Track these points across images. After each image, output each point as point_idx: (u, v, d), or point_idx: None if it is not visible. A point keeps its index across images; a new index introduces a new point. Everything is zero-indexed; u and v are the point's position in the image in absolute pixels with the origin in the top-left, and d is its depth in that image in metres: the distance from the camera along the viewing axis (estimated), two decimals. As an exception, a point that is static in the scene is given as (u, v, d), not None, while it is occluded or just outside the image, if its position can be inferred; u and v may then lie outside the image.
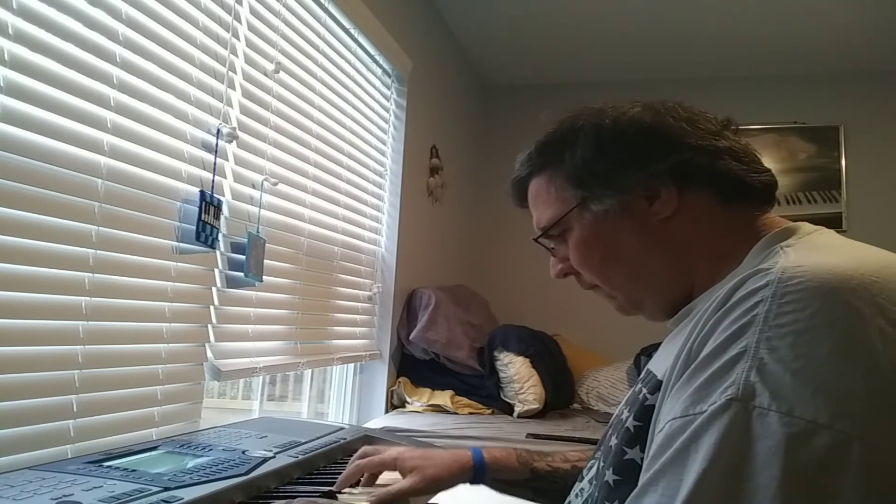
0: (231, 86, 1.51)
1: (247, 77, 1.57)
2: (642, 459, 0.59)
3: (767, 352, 0.46)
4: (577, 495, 0.74)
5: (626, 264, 0.69)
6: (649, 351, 2.73)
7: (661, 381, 0.59)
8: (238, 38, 1.54)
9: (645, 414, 0.61)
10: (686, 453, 0.46)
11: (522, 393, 2.42)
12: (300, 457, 1.01)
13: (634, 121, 0.68)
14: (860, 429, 0.42)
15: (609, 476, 0.63)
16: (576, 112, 0.73)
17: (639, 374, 2.98)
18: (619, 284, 0.71)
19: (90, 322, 1.11)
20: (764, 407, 0.44)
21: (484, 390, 2.49)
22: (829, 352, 0.45)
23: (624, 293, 0.72)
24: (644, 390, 0.64)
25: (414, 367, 2.54)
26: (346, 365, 2.30)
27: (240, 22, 1.55)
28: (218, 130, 1.44)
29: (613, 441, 0.66)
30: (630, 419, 0.63)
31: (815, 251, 0.56)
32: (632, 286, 0.71)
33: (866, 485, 0.41)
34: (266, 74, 1.65)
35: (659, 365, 0.65)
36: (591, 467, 0.73)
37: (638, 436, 0.61)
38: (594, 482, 0.69)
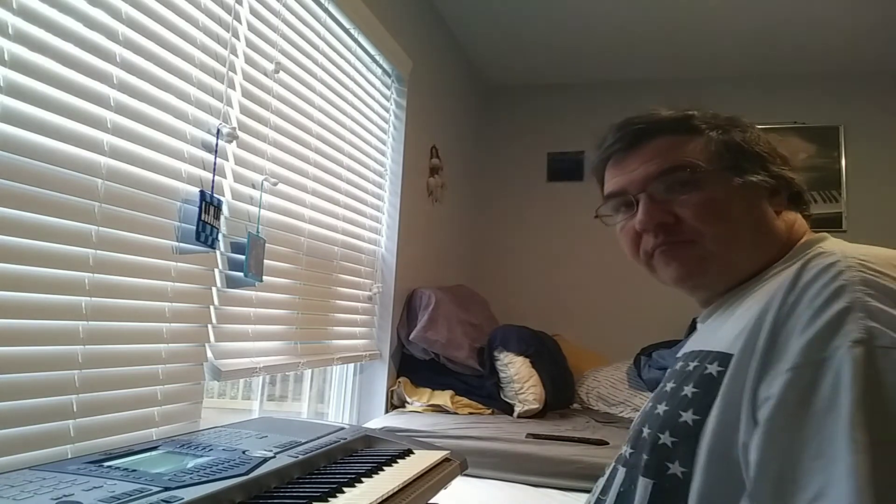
0: (231, 86, 1.51)
1: (247, 77, 1.57)
2: (694, 422, 0.65)
3: (876, 303, 0.56)
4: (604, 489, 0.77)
5: (750, 231, 0.76)
6: (649, 351, 2.73)
7: (726, 354, 0.66)
8: (238, 38, 1.54)
9: (705, 382, 0.66)
10: (828, 390, 0.54)
11: (522, 393, 2.42)
12: (300, 457, 1.00)
13: (760, 134, 0.83)
14: None
15: (665, 438, 0.67)
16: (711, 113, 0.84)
17: (639, 374, 2.95)
18: (727, 243, 0.76)
19: (90, 322, 1.11)
20: (887, 346, 0.53)
21: (484, 390, 2.49)
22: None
23: (721, 253, 0.76)
24: (695, 364, 0.70)
25: (414, 367, 2.54)
26: (346, 365, 2.31)
27: (240, 22, 1.55)
28: (218, 130, 1.44)
29: (660, 411, 0.71)
30: (688, 388, 0.68)
31: (843, 246, 0.69)
32: (737, 249, 0.76)
33: None
34: (266, 74, 1.65)
35: (713, 342, 0.70)
36: (615, 470, 0.75)
37: (695, 400, 0.66)
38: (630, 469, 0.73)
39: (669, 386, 0.73)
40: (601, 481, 0.79)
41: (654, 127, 0.81)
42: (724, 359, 0.66)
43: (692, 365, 0.71)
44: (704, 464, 0.62)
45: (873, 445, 0.50)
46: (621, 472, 0.73)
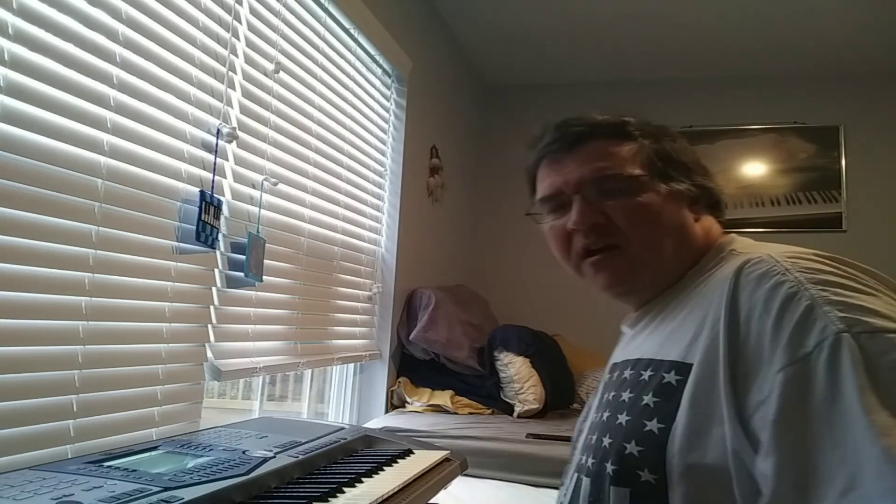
0: (231, 86, 1.51)
1: (247, 77, 1.57)
2: (660, 430, 0.66)
3: (831, 294, 0.59)
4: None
5: (666, 232, 0.79)
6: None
7: (682, 363, 0.67)
8: (238, 38, 1.54)
9: (665, 391, 0.68)
10: (826, 383, 0.55)
11: (522, 393, 2.41)
12: (300, 457, 1.00)
13: (686, 145, 0.87)
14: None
15: (632, 448, 0.68)
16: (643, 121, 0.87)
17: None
18: (654, 248, 0.79)
19: (90, 322, 1.11)
20: (866, 330, 0.55)
21: (484, 390, 2.49)
22: (871, 285, 0.61)
23: (647, 257, 0.80)
24: (649, 373, 0.72)
25: (414, 367, 2.53)
26: (346, 365, 2.30)
27: (240, 22, 1.55)
28: (218, 130, 1.44)
29: (622, 421, 0.71)
30: (647, 397, 0.69)
31: (758, 247, 0.74)
32: (662, 254, 0.79)
33: None
34: (266, 74, 1.65)
35: (661, 350, 0.73)
36: (579, 480, 0.75)
37: (657, 409, 0.67)
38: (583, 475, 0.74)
39: (626, 395, 0.73)
40: (565, 493, 0.79)
41: (591, 130, 0.83)
42: (681, 368, 0.68)
43: (646, 374, 0.72)
44: (680, 472, 0.63)
45: (893, 426, 0.50)
46: (586, 482, 0.73)
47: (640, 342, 0.81)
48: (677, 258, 0.80)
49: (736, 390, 0.61)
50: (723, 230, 0.85)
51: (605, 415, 0.75)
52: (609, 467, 0.69)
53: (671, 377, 0.68)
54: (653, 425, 0.67)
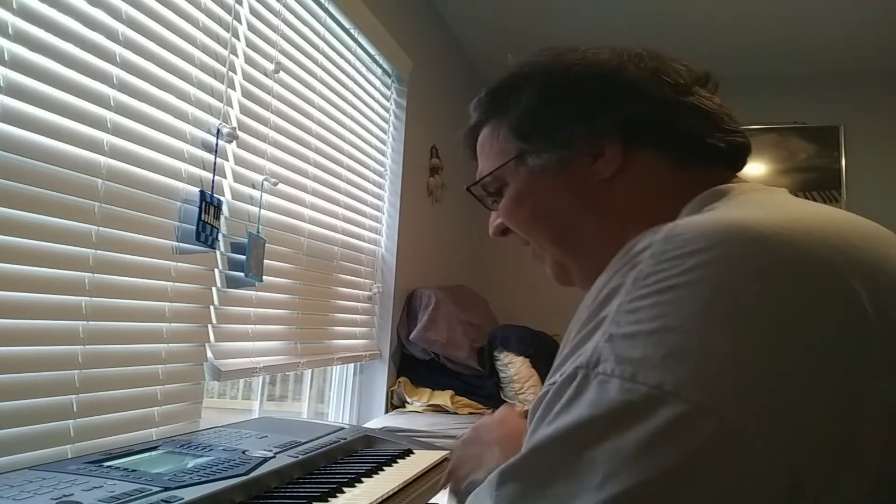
0: (231, 86, 1.51)
1: (247, 77, 1.57)
2: None
3: (627, 314, 0.40)
4: None
5: (556, 225, 0.62)
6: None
7: None
8: (238, 38, 1.54)
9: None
10: (537, 425, 0.42)
11: (522, 393, 2.42)
12: (300, 457, 1.00)
13: (588, 67, 0.61)
14: (713, 400, 0.35)
15: None
16: (535, 54, 0.65)
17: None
18: (547, 247, 0.64)
19: (90, 322, 1.11)
20: (607, 373, 0.38)
21: (484, 390, 2.49)
22: (692, 313, 0.38)
23: (551, 257, 0.65)
24: None
25: (414, 367, 2.53)
26: (345, 365, 2.30)
27: (240, 22, 1.55)
28: (218, 130, 1.44)
29: None
30: None
31: (738, 207, 0.50)
32: (559, 250, 0.63)
33: (711, 462, 0.34)
34: (266, 74, 1.65)
35: None
36: None
37: None
38: None
39: None
40: None
41: (472, 127, 0.70)
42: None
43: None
44: None
45: None
46: None
47: None
48: (615, 240, 0.53)
49: None
50: (726, 167, 0.60)
51: None
52: None
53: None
54: None
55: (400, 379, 2.49)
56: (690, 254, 0.40)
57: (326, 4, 1.99)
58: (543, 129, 0.61)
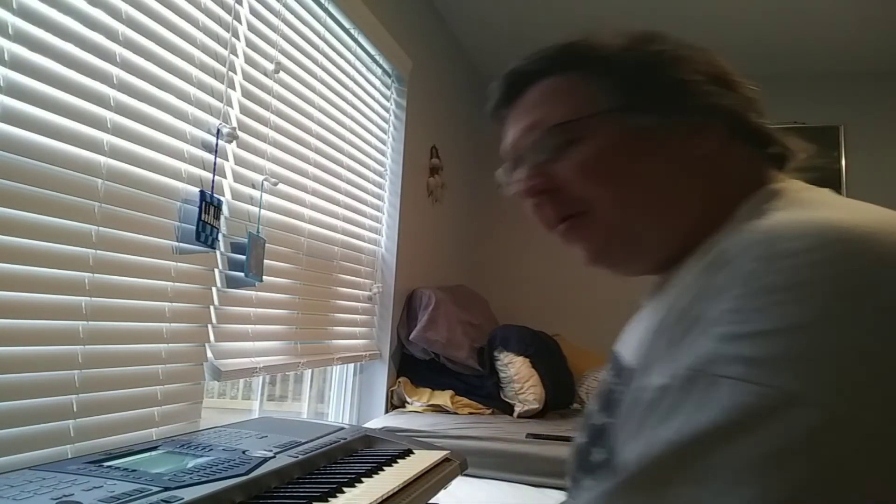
0: (231, 86, 1.51)
1: (247, 77, 1.57)
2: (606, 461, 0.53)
3: (745, 314, 0.40)
4: None
5: (636, 188, 0.60)
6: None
7: (628, 367, 0.54)
8: (238, 38, 1.54)
9: (610, 406, 0.54)
10: (642, 431, 0.42)
11: (522, 393, 2.42)
12: (300, 457, 1.00)
13: (707, 55, 0.65)
14: (844, 403, 0.35)
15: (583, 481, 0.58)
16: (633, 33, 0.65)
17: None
18: (613, 212, 0.60)
19: (90, 322, 1.11)
20: (733, 376, 0.38)
21: (484, 390, 2.49)
22: (816, 313, 0.38)
23: (622, 223, 0.61)
24: (609, 378, 0.59)
25: (414, 367, 2.53)
26: (346, 365, 2.30)
27: (240, 22, 1.55)
28: (218, 130, 1.44)
29: (582, 441, 0.60)
30: (599, 415, 0.57)
31: (807, 208, 0.51)
32: (638, 215, 0.60)
33: (852, 466, 0.34)
34: (266, 74, 1.65)
35: (626, 347, 0.60)
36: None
37: (603, 432, 0.54)
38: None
39: (594, 408, 0.61)
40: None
41: (527, 72, 0.65)
42: (625, 372, 0.56)
43: (608, 377, 0.61)
44: None
45: None
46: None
47: (634, 325, 0.64)
48: (664, 220, 0.59)
49: None
50: (776, 171, 0.61)
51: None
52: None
53: (618, 387, 0.55)
54: (598, 454, 0.55)
55: (400, 379, 2.49)
56: (803, 252, 0.40)
57: (326, 4, 1.99)
58: (657, 90, 0.60)
